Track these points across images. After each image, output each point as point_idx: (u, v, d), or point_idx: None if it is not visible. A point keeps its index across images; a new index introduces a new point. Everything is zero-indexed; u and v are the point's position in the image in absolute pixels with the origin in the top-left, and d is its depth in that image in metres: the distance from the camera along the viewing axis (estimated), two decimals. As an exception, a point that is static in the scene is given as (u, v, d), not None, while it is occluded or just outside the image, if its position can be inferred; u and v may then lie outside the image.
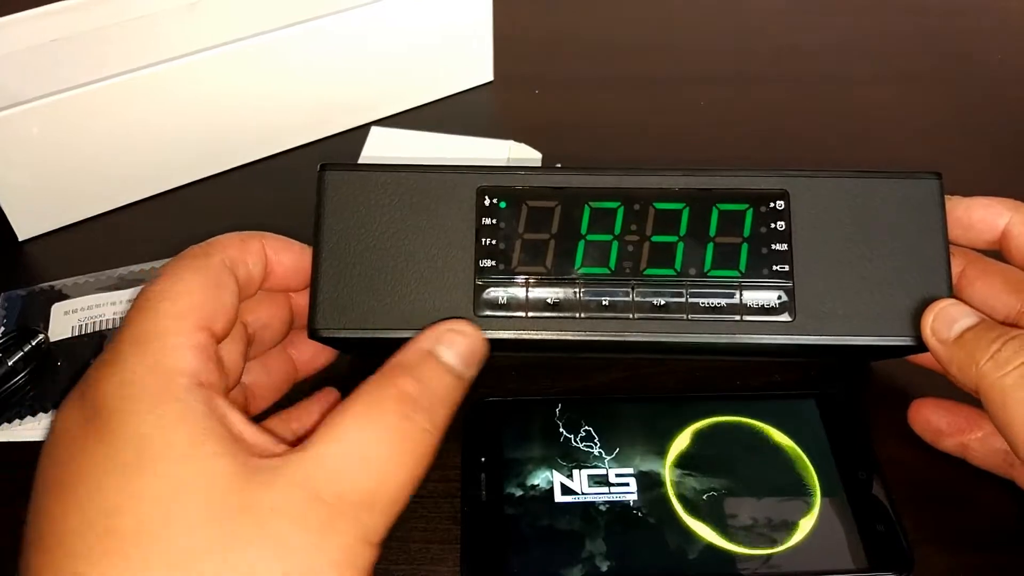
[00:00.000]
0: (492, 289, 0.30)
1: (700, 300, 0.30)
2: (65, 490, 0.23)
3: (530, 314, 0.30)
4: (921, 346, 0.30)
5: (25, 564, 0.23)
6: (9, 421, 0.36)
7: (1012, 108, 0.52)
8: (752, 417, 0.34)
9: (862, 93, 0.53)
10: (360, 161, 0.46)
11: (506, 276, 0.30)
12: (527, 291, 0.30)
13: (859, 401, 0.36)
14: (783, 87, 0.54)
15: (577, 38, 0.58)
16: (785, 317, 0.30)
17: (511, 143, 0.47)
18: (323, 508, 0.23)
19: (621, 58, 0.57)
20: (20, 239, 0.45)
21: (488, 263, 0.30)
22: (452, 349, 0.27)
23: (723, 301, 0.30)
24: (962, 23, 0.59)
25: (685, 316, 0.30)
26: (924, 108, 0.52)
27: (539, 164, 0.47)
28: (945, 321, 0.29)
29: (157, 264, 0.42)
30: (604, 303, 0.30)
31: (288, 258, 0.30)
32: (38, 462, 0.24)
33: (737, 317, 0.30)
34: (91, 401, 0.24)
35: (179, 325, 0.25)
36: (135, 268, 0.42)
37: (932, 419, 0.34)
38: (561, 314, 0.30)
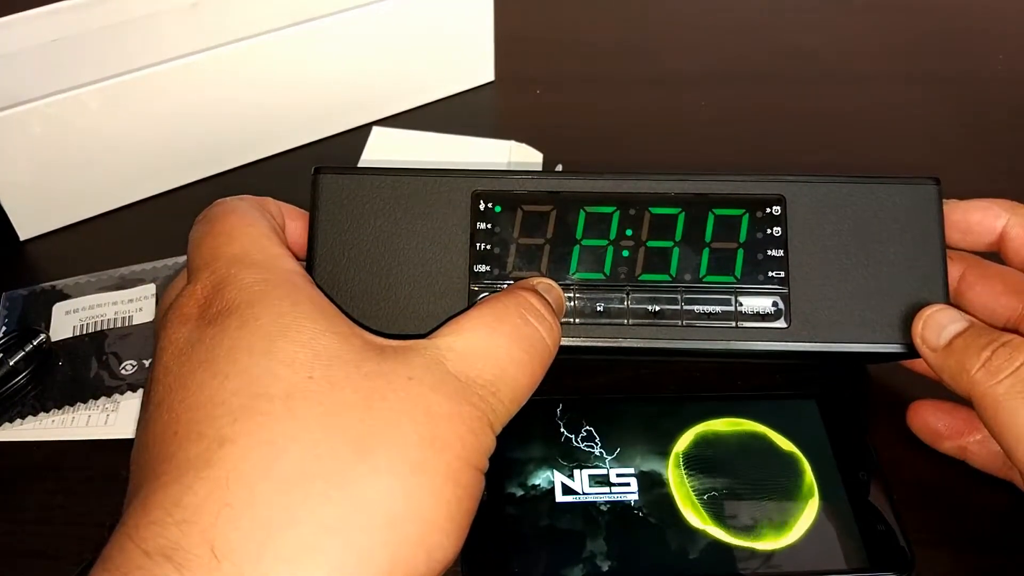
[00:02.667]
0: (486, 294, 0.30)
1: (695, 306, 0.30)
2: (202, 372, 0.23)
3: None
4: (915, 352, 0.30)
5: (148, 458, 0.23)
6: (11, 420, 0.36)
7: (1013, 109, 0.52)
8: (753, 418, 0.34)
9: (862, 94, 0.53)
10: (362, 161, 0.46)
11: (500, 281, 0.30)
12: None
13: (859, 402, 0.36)
14: (784, 87, 0.54)
15: (578, 38, 0.58)
16: (780, 324, 0.30)
17: (512, 143, 0.47)
18: (457, 383, 0.24)
19: (623, 58, 0.57)
20: (21, 239, 0.45)
21: (482, 268, 0.30)
22: (550, 294, 0.29)
23: (718, 307, 0.30)
24: (963, 24, 0.59)
25: (680, 322, 0.30)
26: (924, 108, 0.52)
27: (540, 164, 0.47)
28: (934, 328, 0.29)
29: (159, 264, 0.42)
30: (599, 308, 0.30)
31: (299, 227, 0.31)
32: (151, 376, 0.25)
33: (732, 323, 0.30)
34: (219, 303, 0.24)
35: (272, 241, 0.27)
36: (136, 268, 0.42)
37: (930, 421, 0.34)
38: None
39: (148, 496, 0.21)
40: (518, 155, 0.46)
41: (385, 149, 0.47)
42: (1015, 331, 0.31)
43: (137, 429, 0.24)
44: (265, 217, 0.28)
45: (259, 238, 0.27)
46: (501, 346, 0.26)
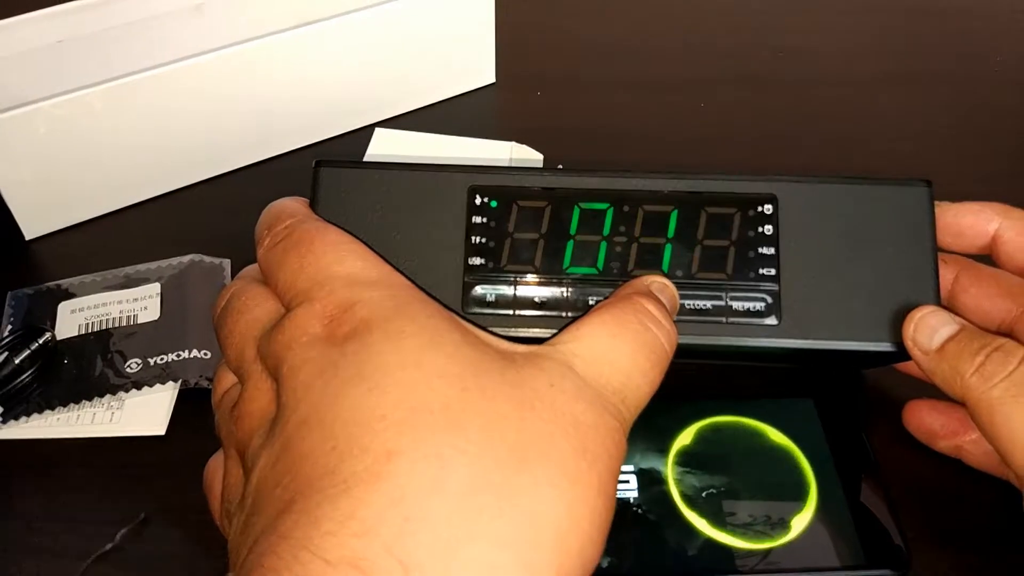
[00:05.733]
0: (480, 287, 0.30)
1: (686, 302, 0.30)
2: (354, 387, 0.23)
3: (518, 312, 0.30)
4: (906, 354, 0.30)
5: (296, 475, 0.22)
6: (16, 418, 0.37)
7: (1009, 112, 0.52)
8: (751, 416, 0.35)
9: (861, 94, 0.54)
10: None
11: (495, 274, 0.30)
12: (515, 289, 0.30)
13: (856, 401, 0.36)
14: (782, 88, 0.54)
15: (579, 40, 0.59)
16: (771, 321, 0.30)
17: (513, 144, 0.47)
18: (591, 390, 0.24)
19: (623, 59, 0.57)
20: (27, 238, 0.45)
21: (477, 261, 0.30)
22: (664, 294, 0.29)
23: (709, 303, 0.30)
24: (961, 24, 0.59)
25: None
26: (920, 110, 0.53)
27: (541, 165, 0.47)
28: (925, 330, 0.29)
29: (163, 263, 0.43)
30: (591, 303, 0.30)
31: None
32: (286, 399, 0.24)
33: (723, 319, 0.30)
34: (351, 320, 0.24)
35: (377, 257, 0.27)
36: (141, 267, 0.43)
37: (926, 421, 0.34)
38: (548, 313, 0.30)
39: (312, 509, 0.21)
40: (519, 156, 0.47)
41: (387, 150, 0.47)
42: (1009, 333, 0.31)
43: (268, 453, 0.23)
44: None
45: (367, 255, 0.27)
46: (624, 353, 0.25)
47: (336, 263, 0.26)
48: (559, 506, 0.22)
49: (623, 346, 0.26)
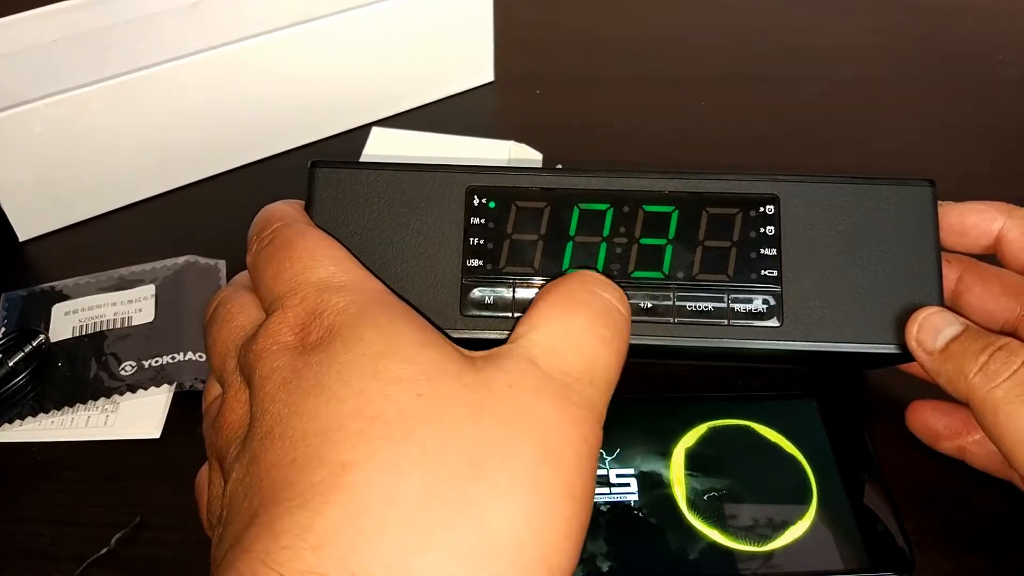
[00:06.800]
0: (479, 289, 0.30)
1: (687, 303, 0.30)
2: (314, 398, 0.22)
3: (516, 315, 0.30)
4: (909, 355, 0.29)
5: (260, 487, 0.22)
6: (10, 421, 0.36)
7: (1012, 109, 0.52)
8: (753, 418, 0.34)
9: (862, 94, 0.53)
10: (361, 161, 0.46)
11: (493, 276, 0.30)
12: (514, 291, 0.30)
13: (859, 402, 0.36)
14: (783, 88, 0.54)
15: (578, 38, 0.58)
16: (773, 322, 0.30)
17: (512, 144, 0.47)
18: (555, 383, 0.24)
19: (622, 58, 0.57)
20: (21, 239, 0.45)
21: (475, 263, 0.30)
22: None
23: (710, 305, 0.30)
24: (962, 24, 0.59)
25: (672, 319, 0.30)
26: (922, 109, 0.52)
27: (540, 165, 0.47)
28: (929, 331, 0.29)
29: (158, 264, 0.42)
30: None
31: None
32: (255, 410, 0.24)
33: (724, 321, 0.30)
34: (319, 329, 0.24)
35: (353, 261, 0.27)
36: (135, 268, 0.42)
37: (930, 422, 0.34)
38: None
39: (272, 522, 0.21)
40: (518, 155, 0.46)
41: (384, 149, 0.47)
42: (1013, 332, 0.31)
43: (240, 465, 0.23)
44: (330, 235, 0.28)
45: (341, 259, 0.26)
46: (582, 329, 0.25)
47: (310, 268, 0.26)
48: (517, 515, 0.21)
49: (579, 321, 0.25)
